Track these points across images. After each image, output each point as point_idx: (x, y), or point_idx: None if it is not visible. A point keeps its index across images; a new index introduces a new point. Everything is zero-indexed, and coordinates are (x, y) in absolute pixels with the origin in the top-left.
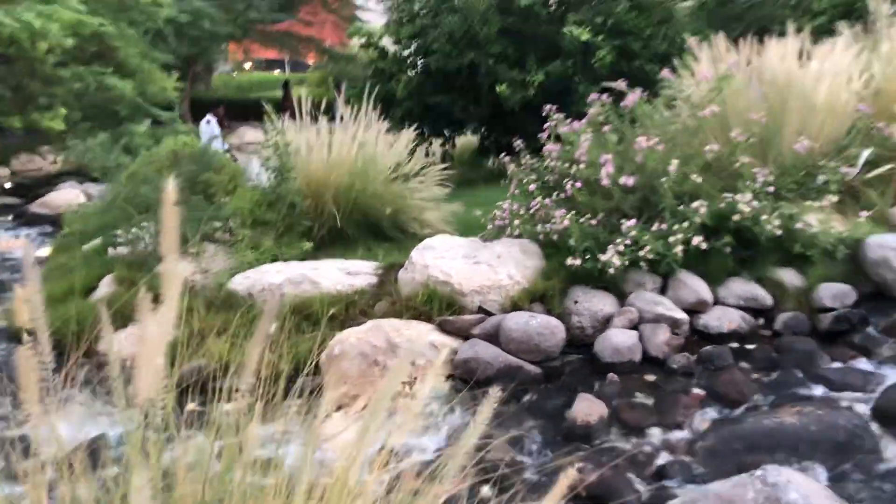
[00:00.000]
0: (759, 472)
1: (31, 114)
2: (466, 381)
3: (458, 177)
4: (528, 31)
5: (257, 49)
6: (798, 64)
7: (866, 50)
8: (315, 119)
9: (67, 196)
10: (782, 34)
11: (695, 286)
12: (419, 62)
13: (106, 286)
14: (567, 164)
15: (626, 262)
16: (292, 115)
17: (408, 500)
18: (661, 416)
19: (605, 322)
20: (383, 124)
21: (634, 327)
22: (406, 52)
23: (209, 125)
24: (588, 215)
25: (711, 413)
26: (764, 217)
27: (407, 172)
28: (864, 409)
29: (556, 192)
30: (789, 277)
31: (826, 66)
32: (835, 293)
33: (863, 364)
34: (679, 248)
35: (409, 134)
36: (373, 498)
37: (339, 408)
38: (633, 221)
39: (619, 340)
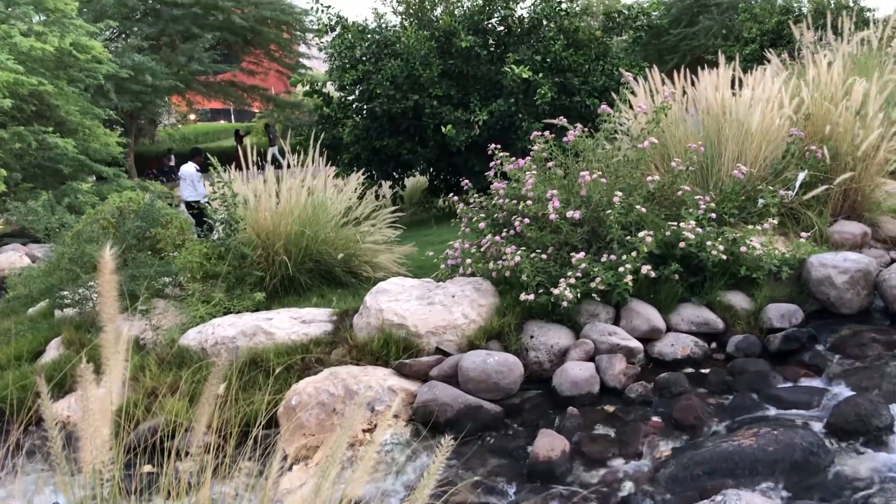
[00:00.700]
0: (719, 498)
1: None
2: (427, 424)
3: (409, 217)
4: (469, 72)
5: (201, 100)
6: (731, 92)
7: (794, 76)
8: (261, 167)
9: (10, 258)
10: (715, 63)
11: (647, 314)
12: (364, 107)
13: (54, 349)
14: (514, 201)
15: (579, 295)
16: (238, 166)
17: None
18: (623, 447)
19: (562, 355)
20: (331, 170)
21: (591, 359)
22: (350, 98)
23: (193, 171)
24: (538, 250)
25: (671, 440)
26: (709, 243)
27: (357, 217)
28: (818, 426)
29: (505, 229)
30: (738, 300)
31: (758, 93)
32: (782, 313)
33: (814, 382)
34: (629, 278)
35: (357, 178)
36: None
37: (298, 460)
38: (582, 254)
39: (576, 373)
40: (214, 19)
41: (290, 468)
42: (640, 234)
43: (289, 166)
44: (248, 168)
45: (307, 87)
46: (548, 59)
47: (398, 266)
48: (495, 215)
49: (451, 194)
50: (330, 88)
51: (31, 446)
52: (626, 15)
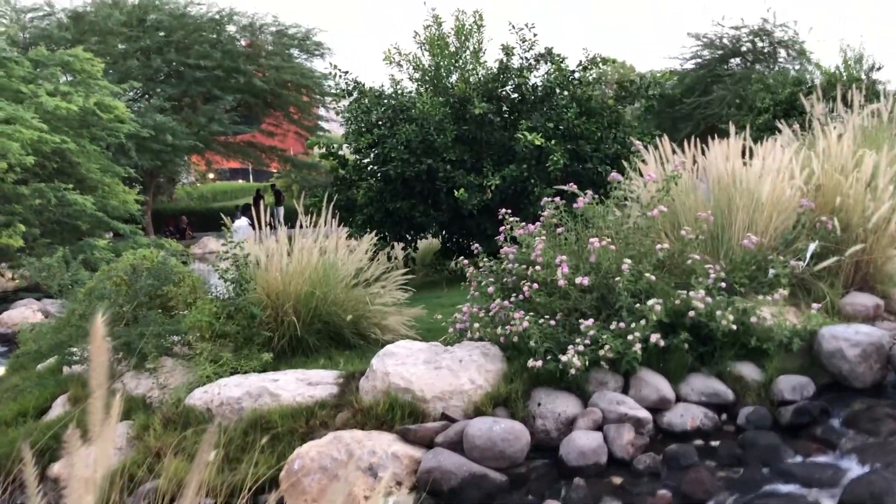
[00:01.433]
0: None
1: None
2: (431, 492)
3: (420, 279)
4: (482, 137)
5: (220, 159)
6: (742, 162)
7: (805, 147)
8: (273, 227)
9: (24, 313)
10: (728, 132)
11: (656, 384)
12: (378, 170)
13: (60, 406)
14: (524, 266)
15: (587, 362)
16: (252, 225)
17: None
18: None
19: (570, 424)
20: (344, 231)
21: (599, 428)
22: (365, 161)
23: (245, 225)
24: (547, 316)
25: None
26: (718, 312)
27: (368, 278)
28: None
29: (514, 294)
30: (748, 371)
31: (769, 163)
32: (794, 385)
33: (826, 457)
34: (638, 346)
35: (370, 239)
36: None
37: None
38: (591, 321)
39: (583, 443)
40: (236, 81)
41: None
42: (650, 303)
43: (301, 226)
44: (260, 228)
45: (323, 150)
46: (560, 127)
47: (407, 328)
48: (504, 279)
49: (462, 257)
50: (346, 151)
51: None
52: (639, 84)
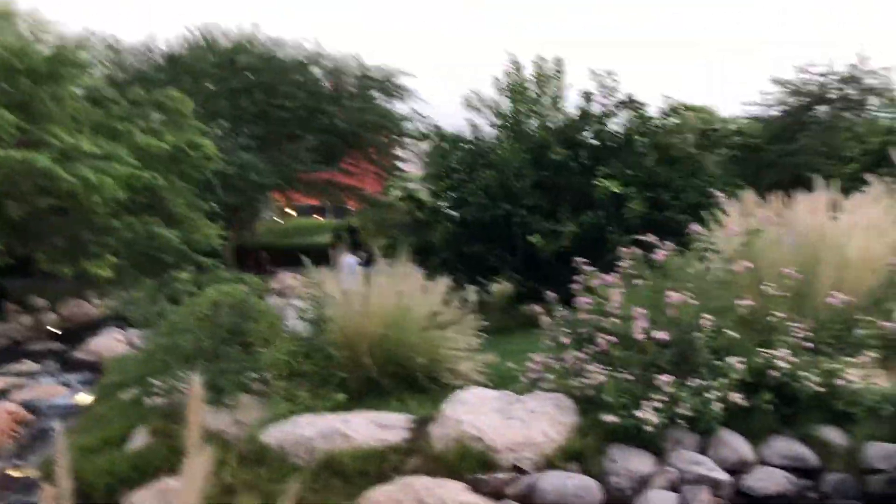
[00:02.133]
0: None
1: (81, 262)
2: None
3: (493, 324)
4: (560, 184)
5: (299, 196)
6: (829, 216)
7: None
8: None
9: (109, 343)
10: (813, 183)
11: (736, 445)
12: (456, 213)
13: (140, 437)
14: (599, 317)
15: (665, 420)
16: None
17: None
18: None
19: (644, 482)
20: (420, 273)
21: (674, 488)
22: (443, 204)
23: (351, 262)
24: (623, 370)
25: None
26: (803, 373)
27: (442, 321)
28: None
29: (589, 345)
30: (834, 436)
31: (858, 218)
32: (884, 454)
33: None
34: (717, 405)
35: (445, 282)
36: None
37: None
38: (668, 377)
39: (659, 503)
40: (318, 122)
41: None
42: (731, 360)
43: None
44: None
45: (401, 192)
46: (639, 174)
47: (479, 374)
48: (579, 330)
49: (536, 304)
50: (423, 193)
51: None
52: (721, 132)
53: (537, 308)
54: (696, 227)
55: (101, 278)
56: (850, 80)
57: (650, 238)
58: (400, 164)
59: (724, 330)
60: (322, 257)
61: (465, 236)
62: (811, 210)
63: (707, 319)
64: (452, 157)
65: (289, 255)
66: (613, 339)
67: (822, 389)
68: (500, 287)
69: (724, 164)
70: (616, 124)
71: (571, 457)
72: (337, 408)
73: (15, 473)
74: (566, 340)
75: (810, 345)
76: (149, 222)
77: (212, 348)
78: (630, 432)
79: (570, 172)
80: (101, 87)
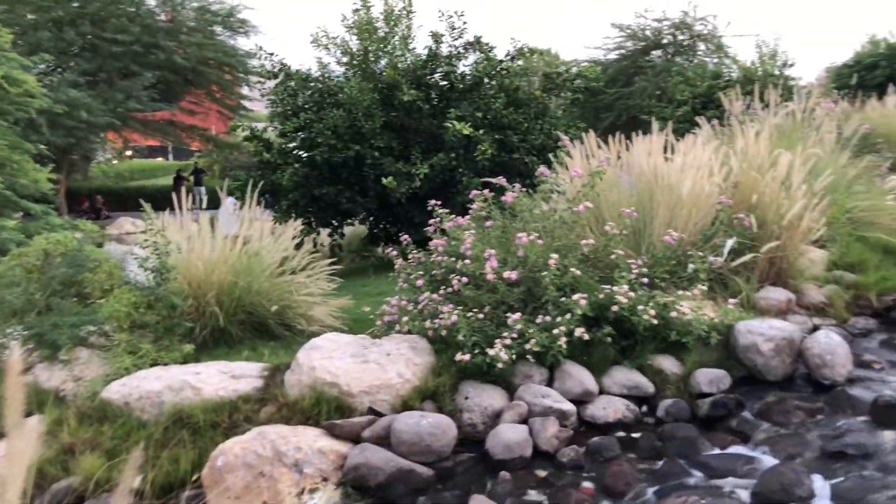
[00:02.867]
0: None
1: None
2: (357, 487)
3: (347, 266)
4: (411, 125)
5: (138, 138)
6: (664, 158)
7: (724, 144)
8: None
9: None
10: (649, 123)
11: (580, 377)
12: (304, 154)
13: None
14: (453, 259)
15: (514, 356)
16: (171, 209)
17: None
18: None
19: (496, 417)
20: (268, 216)
21: (524, 421)
22: (291, 145)
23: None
24: (475, 310)
25: None
26: (640, 307)
27: (294, 266)
28: (745, 495)
29: (443, 287)
30: (668, 364)
31: (689, 160)
32: (711, 379)
33: (741, 448)
34: (563, 340)
35: (295, 226)
36: None
37: None
38: (518, 315)
39: (509, 436)
40: (155, 57)
41: None
42: (575, 297)
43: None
44: (181, 211)
45: (247, 132)
46: (488, 117)
47: (333, 319)
48: (433, 272)
49: (390, 245)
50: (270, 134)
51: None
52: (565, 76)
53: (392, 251)
54: (543, 169)
55: None
56: (681, 26)
57: (500, 180)
58: (246, 103)
59: (569, 268)
60: (165, 200)
61: (315, 178)
62: (647, 152)
63: (553, 259)
64: (300, 95)
65: (128, 199)
66: (465, 279)
67: (657, 321)
68: (354, 229)
69: (567, 107)
70: (465, 66)
71: (426, 396)
72: (185, 360)
73: None
74: (420, 282)
75: (646, 280)
76: None
77: (43, 301)
78: (482, 370)
79: (421, 114)
80: None
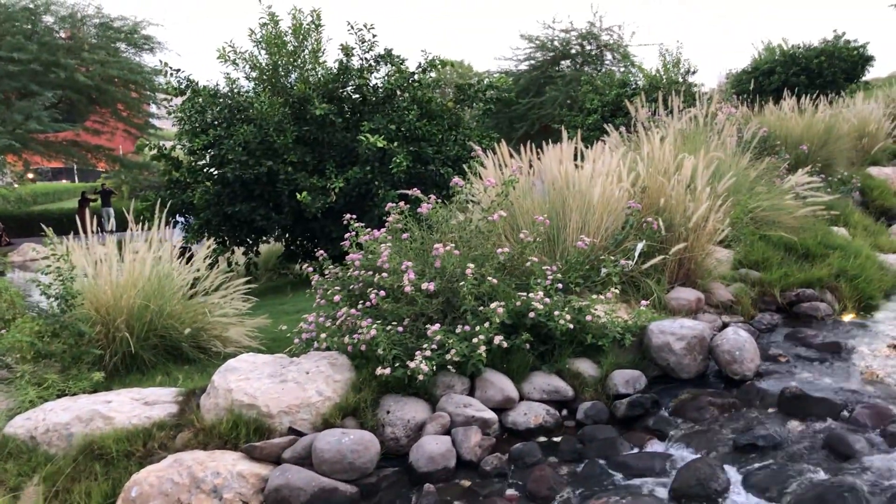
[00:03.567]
0: None
1: None
2: None
3: (263, 285)
4: (324, 139)
5: (40, 160)
6: (574, 166)
7: (631, 150)
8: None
9: None
10: (560, 132)
11: (501, 384)
12: (215, 172)
13: None
14: (370, 273)
15: (434, 367)
16: (77, 233)
17: None
18: None
19: (419, 430)
20: (179, 236)
21: (447, 432)
22: (201, 162)
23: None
24: (395, 323)
25: None
26: (556, 312)
27: (207, 287)
28: (663, 492)
29: (361, 302)
30: (585, 367)
31: (598, 166)
32: (627, 379)
33: (658, 446)
34: (482, 349)
35: (207, 245)
36: None
37: None
38: (437, 325)
39: (432, 448)
40: (56, 76)
41: None
42: (493, 305)
43: (132, 232)
44: (86, 235)
45: (155, 151)
46: (402, 129)
47: (250, 339)
48: (351, 287)
49: (307, 262)
50: (179, 152)
51: None
52: (477, 87)
53: (308, 267)
54: (457, 180)
55: None
56: (588, 36)
57: (415, 192)
58: (153, 122)
59: (487, 277)
60: (71, 224)
61: (227, 196)
62: (558, 159)
63: (470, 268)
64: (209, 112)
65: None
66: (383, 293)
67: (573, 326)
68: (270, 247)
69: (480, 118)
70: (377, 79)
71: (348, 413)
72: (95, 388)
73: None
74: (338, 298)
75: (561, 285)
76: None
77: None
78: (403, 382)
79: (334, 127)
80: None
